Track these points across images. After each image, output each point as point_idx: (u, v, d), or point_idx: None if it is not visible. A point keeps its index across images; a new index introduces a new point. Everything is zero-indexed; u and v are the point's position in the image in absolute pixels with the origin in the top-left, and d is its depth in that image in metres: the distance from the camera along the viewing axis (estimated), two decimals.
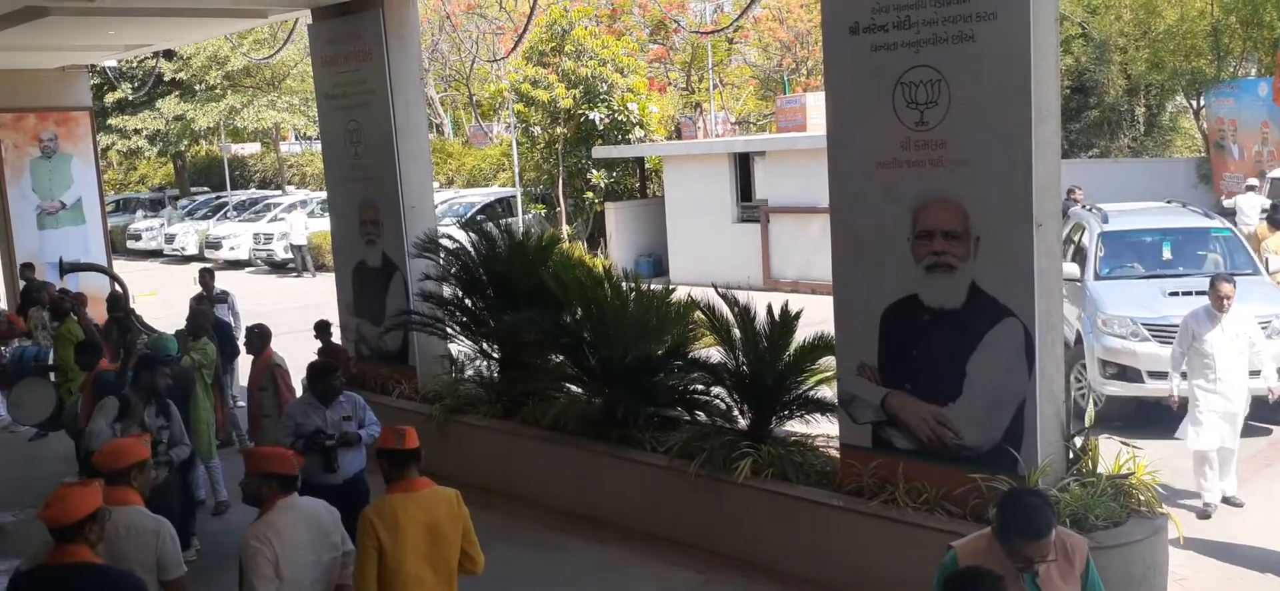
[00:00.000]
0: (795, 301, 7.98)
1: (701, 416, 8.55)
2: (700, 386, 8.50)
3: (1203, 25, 21.64)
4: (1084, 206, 12.92)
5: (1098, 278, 10.96)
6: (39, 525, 4.32)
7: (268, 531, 4.69)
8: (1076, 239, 11.78)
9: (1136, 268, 11.16)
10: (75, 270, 13.44)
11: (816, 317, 8.06)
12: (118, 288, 11.57)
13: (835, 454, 7.48)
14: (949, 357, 6.54)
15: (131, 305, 11.30)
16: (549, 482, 8.98)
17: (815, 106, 21.74)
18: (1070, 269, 10.78)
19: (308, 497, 5.01)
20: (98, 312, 12.51)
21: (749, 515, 7.49)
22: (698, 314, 8.36)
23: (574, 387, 9.39)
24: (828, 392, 7.74)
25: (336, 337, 9.96)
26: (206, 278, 12.58)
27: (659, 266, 22.25)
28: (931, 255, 6.54)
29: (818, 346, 7.64)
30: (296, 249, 27.02)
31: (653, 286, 8.94)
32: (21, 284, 14.19)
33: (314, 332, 9.61)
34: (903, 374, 6.80)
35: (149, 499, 5.21)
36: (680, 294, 8.77)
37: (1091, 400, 9.82)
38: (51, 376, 10.72)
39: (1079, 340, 10.66)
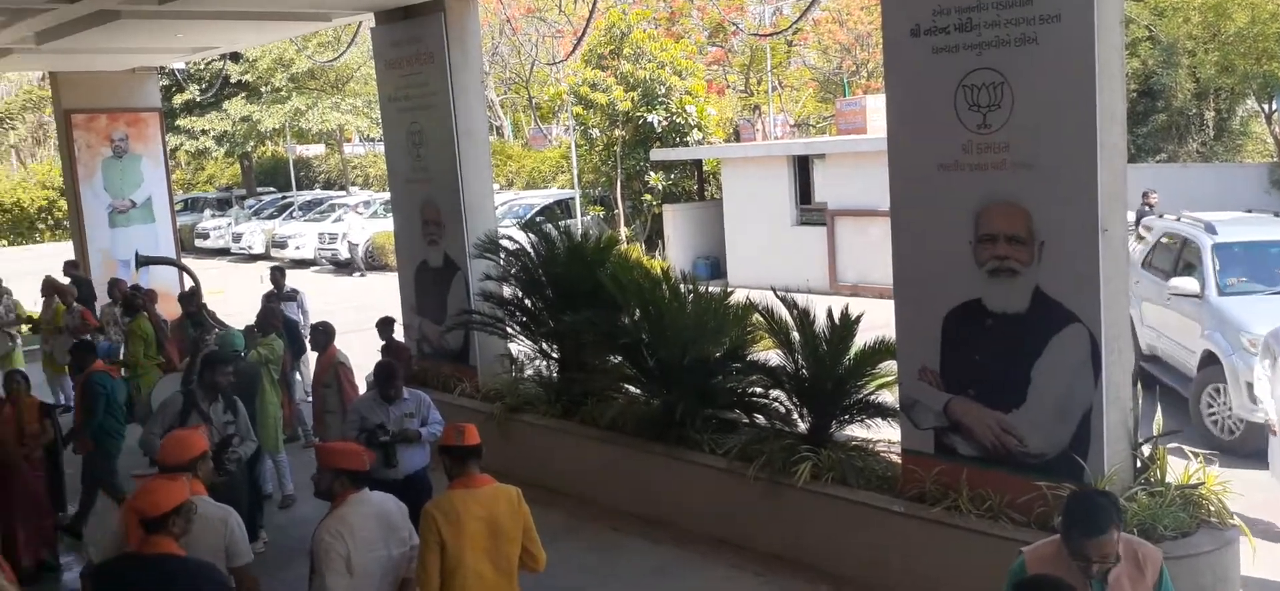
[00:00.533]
0: (856, 305, 7.91)
1: (760, 419, 8.50)
2: (759, 389, 8.47)
3: (1275, 28, 21.06)
4: (1175, 217, 12.28)
5: (1221, 293, 10.22)
6: (110, 514, 4.44)
7: (340, 526, 4.76)
8: (1175, 249, 11.33)
9: (1254, 282, 10.37)
10: (150, 263, 13.70)
11: (878, 321, 7.97)
12: (191, 282, 11.80)
13: (897, 459, 7.39)
14: (1013, 363, 6.43)
15: (203, 300, 11.50)
16: (607, 482, 9.00)
17: (875, 109, 21.54)
18: (1185, 283, 10.37)
19: (378, 493, 5.09)
20: (168, 309, 12.79)
21: (808, 519, 7.44)
22: (756, 316, 8.32)
23: (632, 388, 9.40)
24: (889, 397, 7.66)
25: (399, 335, 10.07)
26: (277, 276, 12.80)
27: (717, 269, 22.20)
28: (994, 259, 6.44)
29: (879, 350, 7.57)
30: (351, 249, 27.51)
31: (711, 288, 8.91)
32: (67, 279, 14.45)
33: (377, 330, 9.73)
34: (965, 379, 6.70)
35: (216, 491, 5.32)
36: (738, 296, 8.73)
37: (1225, 427, 9.39)
38: (123, 371, 10.96)
39: (1210, 360, 9.82)
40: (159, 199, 17.23)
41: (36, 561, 8.00)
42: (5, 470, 7.92)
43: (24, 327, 13.64)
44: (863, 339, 7.74)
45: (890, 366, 7.47)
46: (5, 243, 39.62)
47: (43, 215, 41.29)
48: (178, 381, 8.77)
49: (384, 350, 9.31)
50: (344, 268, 28.25)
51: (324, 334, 9.24)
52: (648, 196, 24.97)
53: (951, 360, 6.75)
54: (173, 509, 4.29)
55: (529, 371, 10.53)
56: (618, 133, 24.69)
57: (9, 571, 4.95)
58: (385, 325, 9.75)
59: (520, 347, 10.72)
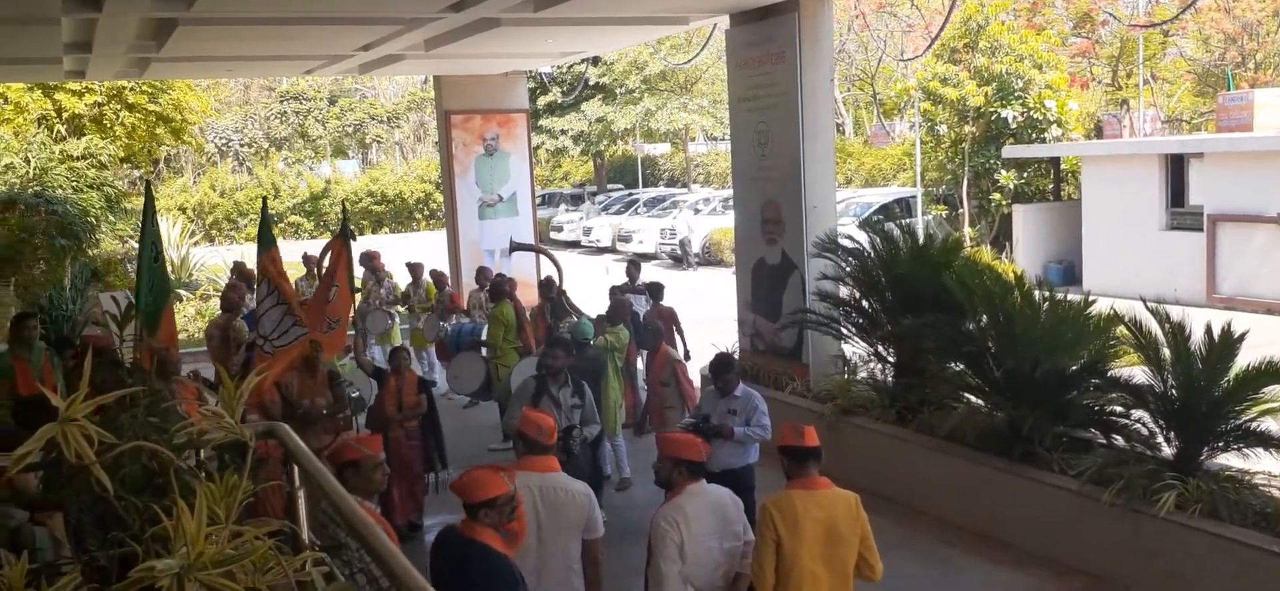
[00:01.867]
0: (1236, 320, 7.12)
1: (1119, 441, 7.88)
2: (1119, 408, 7.84)
3: None
4: None
5: None
6: None
7: (677, 515, 4.93)
8: None
9: None
10: (522, 249, 14.73)
11: (1261, 339, 7.13)
12: (554, 268, 12.58)
13: (1278, 494, 6.59)
14: None
15: (564, 288, 12.22)
16: (941, 494, 8.69)
17: (1264, 103, 19.35)
18: None
19: (716, 486, 5.20)
20: (526, 296, 13.74)
21: (1170, 553, 6.79)
22: (1120, 329, 7.69)
23: (974, 399, 9.03)
24: (1273, 425, 6.85)
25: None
26: (632, 269, 13.38)
27: (1070, 274, 20.81)
28: None
29: (1265, 373, 6.77)
30: (683, 243, 28.36)
31: (1068, 296, 8.34)
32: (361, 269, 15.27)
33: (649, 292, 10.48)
34: None
35: (563, 469, 5.64)
36: (1100, 305, 8.12)
37: None
38: (483, 352, 11.90)
39: None
40: (522, 194, 18.48)
41: (407, 521, 8.86)
42: (386, 437, 8.79)
43: (399, 307, 15.14)
44: (1244, 358, 6.96)
45: (1277, 391, 6.67)
46: (387, 230, 44.23)
47: (420, 206, 45.79)
48: (534, 364, 9.39)
49: (648, 316, 9.44)
50: (680, 262, 29.16)
51: (654, 334, 9.55)
52: (996, 195, 23.83)
53: None
54: (484, 500, 4.47)
55: (862, 374, 10.38)
56: (967, 129, 23.75)
57: (389, 528, 5.50)
58: (656, 289, 9.93)
59: (854, 349, 10.59)
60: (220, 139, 48.88)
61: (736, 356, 11.04)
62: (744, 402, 7.34)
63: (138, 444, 1.94)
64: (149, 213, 7.29)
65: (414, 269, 15.12)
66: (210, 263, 25.74)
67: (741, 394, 7.41)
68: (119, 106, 25.10)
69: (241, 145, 49.54)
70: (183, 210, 39.57)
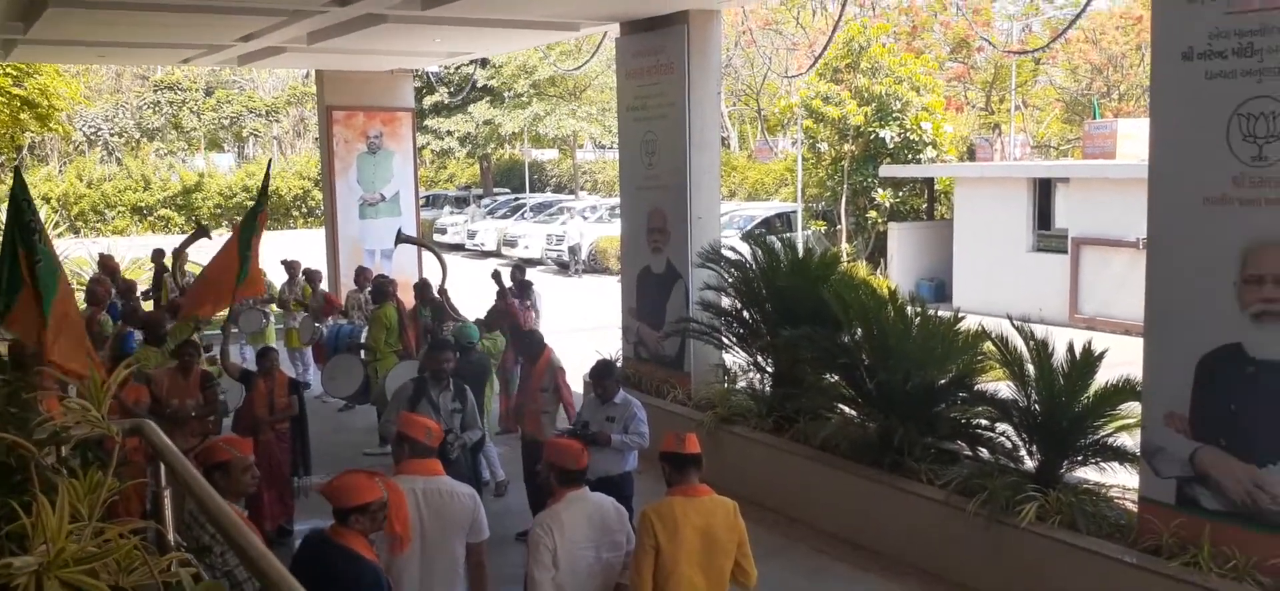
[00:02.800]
0: (1096, 340, 7.46)
1: (984, 453, 8.16)
2: (985, 421, 8.12)
3: None
4: None
5: None
6: None
7: (552, 522, 4.93)
8: None
9: None
10: (409, 243, 14.46)
11: (1119, 358, 7.49)
12: (439, 265, 12.44)
13: (1132, 507, 6.93)
14: (1273, 415, 5.90)
15: (445, 287, 12.03)
16: (816, 503, 8.86)
17: (1126, 134, 20.34)
18: None
19: (599, 495, 5.20)
20: (404, 297, 13.52)
21: (1030, 563, 7.07)
22: (987, 345, 7.98)
23: (848, 410, 9.22)
24: (1128, 441, 7.19)
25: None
26: (517, 273, 13.27)
27: (941, 291, 21.49)
28: (1261, 302, 5.92)
29: (1121, 390, 7.11)
30: (572, 251, 28.39)
31: (939, 312, 8.62)
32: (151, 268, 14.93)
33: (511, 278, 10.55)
34: (1217, 427, 6.20)
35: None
36: (968, 322, 8.41)
37: None
38: (362, 354, 11.68)
39: None
40: (406, 194, 18.22)
41: (276, 526, 8.64)
42: (256, 439, 8.55)
43: (273, 306, 14.77)
44: (1103, 376, 7.30)
45: (1133, 408, 7.01)
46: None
47: (298, 203, 44.70)
48: (413, 368, 9.25)
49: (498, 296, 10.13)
50: (566, 268, 29.16)
51: (534, 342, 9.54)
52: (873, 213, 24.49)
53: (1203, 406, 6.26)
54: (354, 505, 4.41)
55: (742, 383, 10.51)
56: (847, 147, 24.34)
57: (258, 532, 5.35)
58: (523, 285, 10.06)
59: (735, 359, 10.72)
60: (89, 127, 46.87)
61: (620, 363, 11.11)
62: (623, 409, 7.35)
63: None
64: (17, 199, 6.93)
65: (290, 267, 14.78)
66: (75, 255, 24.62)
67: (620, 401, 7.42)
68: None
69: (111, 134, 47.59)
70: (47, 200, 37.79)
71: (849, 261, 21.83)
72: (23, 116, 25.09)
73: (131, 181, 42.63)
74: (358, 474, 4.59)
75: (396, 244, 14.44)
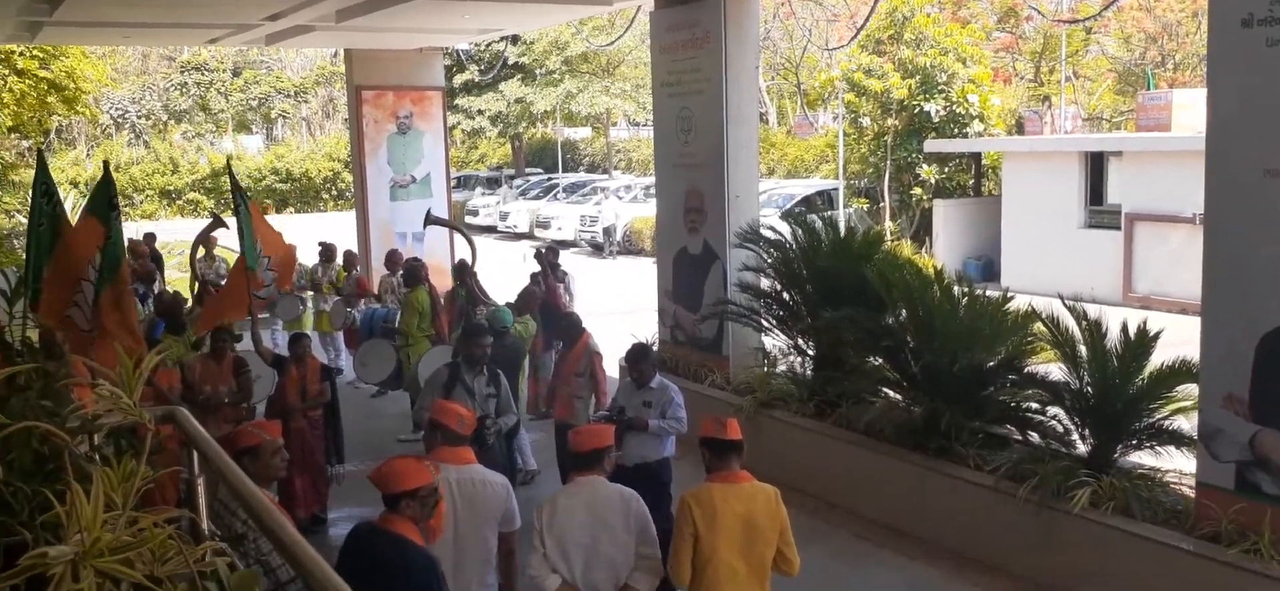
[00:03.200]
0: (1151, 319, 7.37)
1: (1034, 437, 8.11)
2: (1035, 404, 8.06)
3: None
4: None
5: None
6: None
7: (546, 504, 5.13)
8: None
9: None
10: (438, 224, 14.45)
11: (1175, 338, 7.40)
12: (469, 248, 12.43)
13: (1189, 492, 6.86)
14: None
15: (476, 272, 12.06)
16: (859, 489, 8.85)
17: (1183, 104, 20.03)
18: None
19: (616, 487, 5.21)
20: (439, 281, 13.60)
21: (1082, 549, 7.01)
22: (1038, 325, 7.91)
23: (892, 393, 9.20)
24: (1185, 424, 7.11)
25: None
26: (551, 255, 13.30)
27: (988, 270, 21.33)
28: None
29: (1178, 372, 7.02)
30: (607, 231, 28.38)
31: (987, 292, 8.55)
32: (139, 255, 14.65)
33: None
34: (1279, 409, 6.10)
35: (479, 460, 5.64)
36: (1018, 302, 8.34)
37: None
38: (394, 339, 11.77)
39: None
40: (437, 175, 18.29)
41: (309, 514, 8.74)
42: (287, 427, 8.64)
43: (309, 291, 14.89)
44: (1158, 357, 7.21)
45: (1189, 390, 6.92)
46: (292, 210, 43.40)
47: (327, 186, 45.00)
48: (447, 353, 9.30)
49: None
50: (601, 250, 29.18)
51: (573, 325, 9.56)
52: (917, 190, 24.31)
53: (1264, 387, 6.17)
54: (404, 490, 4.42)
55: (782, 367, 10.50)
56: (890, 122, 24.16)
57: (290, 519, 5.42)
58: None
59: (775, 342, 10.71)
60: (116, 110, 47.48)
61: (655, 347, 11.13)
62: (660, 394, 7.37)
63: (28, 426, 1.89)
64: (41, 180, 7.05)
65: (327, 250, 14.82)
66: None
67: (657, 385, 7.44)
68: (7, 72, 24.21)
69: (138, 117, 48.19)
70: (74, 184, 38.34)
71: (893, 240, 21.71)
72: (50, 99, 25.47)
73: (159, 165, 43.12)
74: (406, 459, 4.64)
75: (425, 226, 14.50)
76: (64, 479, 1.85)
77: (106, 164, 7.96)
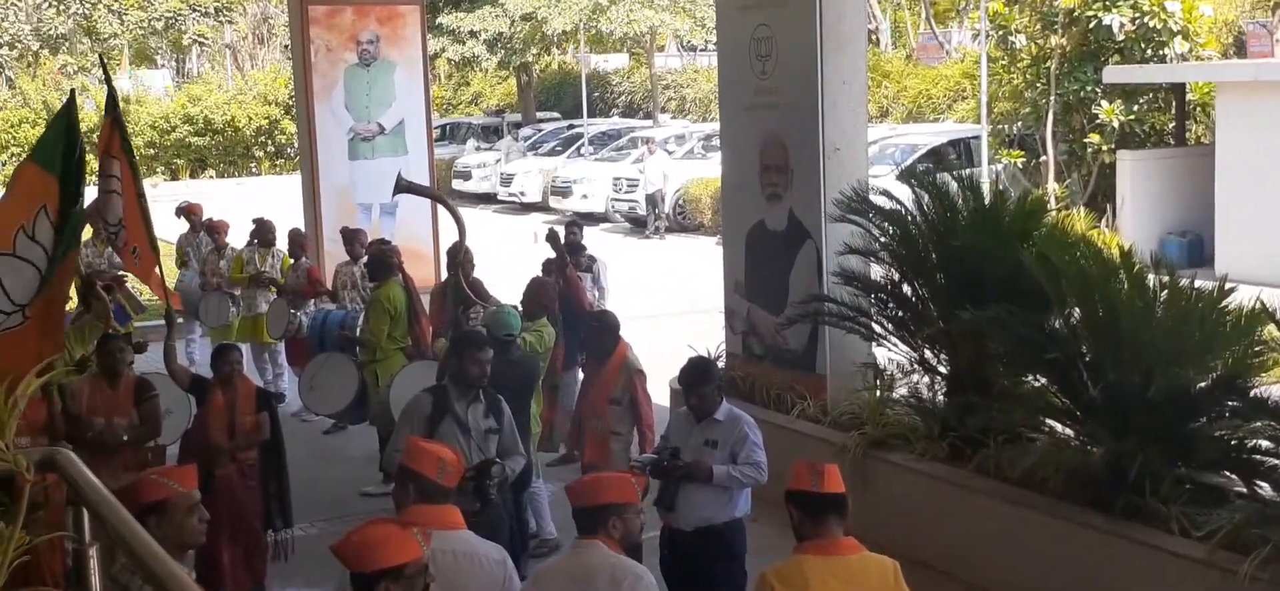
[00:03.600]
0: None
1: (1264, 489, 8.04)
2: (1267, 442, 8.00)
3: None
4: None
5: None
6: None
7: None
8: None
9: None
10: (413, 192, 14.35)
11: None
12: (457, 226, 12.34)
13: None
14: None
15: (472, 260, 12.02)
16: (1014, 562, 8.82)
17: None
18: None
19: (619, 559, 5.24)
20: (417, 271, 13.63)
21: None
22: (1269, 329, 7.84)
23: (1060, 427, 9.18)
24: None
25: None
26: (573, 233, 13.34)
27: (1198, 251, 21.14)
28: None
29: None
30: (651, 199, 28.43)
31: (1195, 282, 8.48)
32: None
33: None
34: None
35: (474, 524, 5.66)
36: (1240, 296, 8.26)
37: None
38: (356, 353, 11.84)
39: None
40: (413, 124, 18.31)
41: None
42: (211, 474, 8.65)
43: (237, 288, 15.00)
44: None
45: None
46: (212, 172, 43.75)
47: (261, 139, 45.27)
48: (430, 372, 9.35)
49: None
50: (642, 226, 29.14)
51: (607, 331, 9.55)
52: (1094, 136, 24.07)
53: None
54: (384, 568, 4.49)
55: (902, 390, 10.50)
56: (1055, 40, 23.97)
57: None
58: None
59: (891, 354, 10.70)
60: None
61: (722, 363, 11.13)
62: (728, 429, 7.38)
63: None
64: None
65: (264, 228, 14.82)
66: None
67: (725, 417, 7.45)
68: None
69: None
70: None
71: (1060, 209, 21.53)
72: None
73: (28, 111, 43.63)
74: (386, 523, 4.70)
75: (395, 194, 14.52)
76: None
77: (72, 93, 8.01)
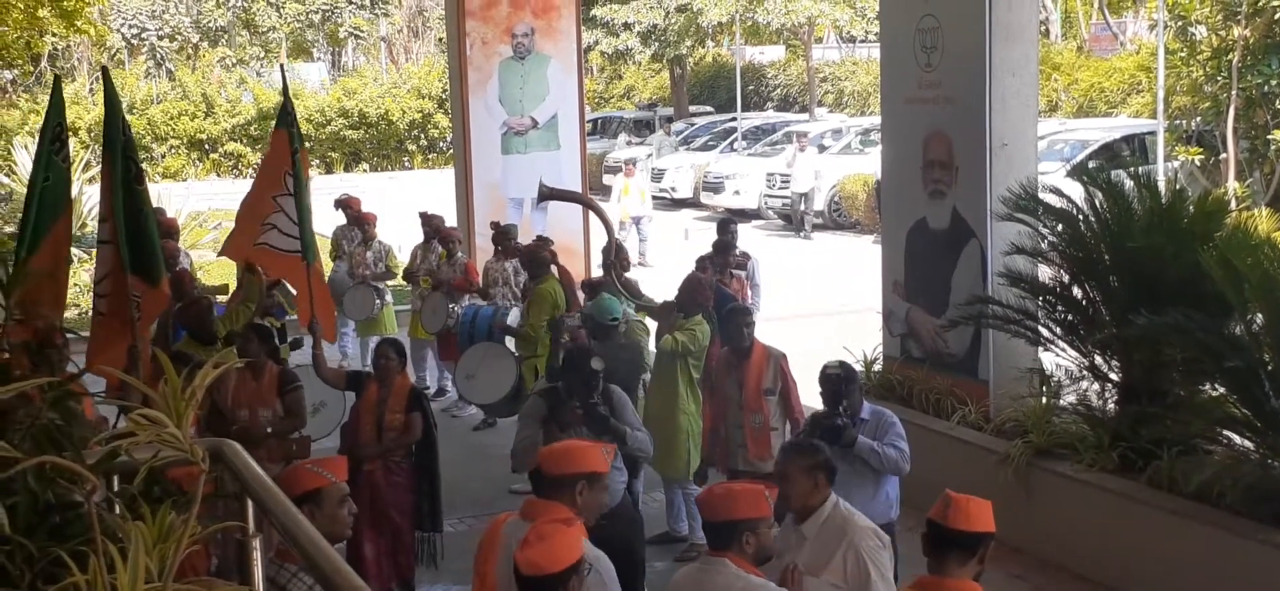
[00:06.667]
0: None
1: None
2: None
3: None
4: None
5: None
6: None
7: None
8: None
9: None
10: (555, 197, 14.45)
11: None
12: (605, 228, 12.41)
13: None
14: None
15: (628, 262, 12.07)
16: (1186, 579, 8.68)
17: None
18: None
19: (754, 579, 5.16)
20: (573, 269, 13.75)
21: None
22: None
23: (1240, 439, 8.98)
24: None
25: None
26: (725, 233, 13.32)
27: None
28: None
29: None
30: (803, 198, 28.33)
31: None
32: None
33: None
34: None
35: (596, 533, 5.60)
36: None
37: None
38: (511, 346, 11.96)
39: None
40: (567, 118, 18.32)
41: None
42: (358, 468, 8.52)
43: (401, 281, 15.25)
44: None
45: None
46: (365, 166, 44.44)
47: (414, 133, 45.88)
48: None
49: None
50: (794, 224, 28.97)
51: (738, 316, 9.51)
52: (1278, 133, 23.46)
53: None
54: (563, 569, 4.56)
55: (1070, 397, 10.40)
56: (1238, 31, 23.39)
57: None
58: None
59: (1059, 360, 10.57)
60: (130, 28, 49.41)
61: (878, 364, 11.10)
62: (872, 426, 7.47)
63: (48, 461, 1.98)
64: (53, 120, 7.44)
65: (432, 225, 14.95)
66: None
67: (868, 415, 7.48)
68: None
69: (159, 37, 50.09)
70: (74, 131, 40.21)
71: (1241, 209, 21.00)
72: (42, 13, 26.55)
73: (188, 104, 44.71)
74: (555, 529, 4.81)
75: (539, 202, 14.61)
76: (80, 534, 1.92)
77: (57, 80, 8.24)
